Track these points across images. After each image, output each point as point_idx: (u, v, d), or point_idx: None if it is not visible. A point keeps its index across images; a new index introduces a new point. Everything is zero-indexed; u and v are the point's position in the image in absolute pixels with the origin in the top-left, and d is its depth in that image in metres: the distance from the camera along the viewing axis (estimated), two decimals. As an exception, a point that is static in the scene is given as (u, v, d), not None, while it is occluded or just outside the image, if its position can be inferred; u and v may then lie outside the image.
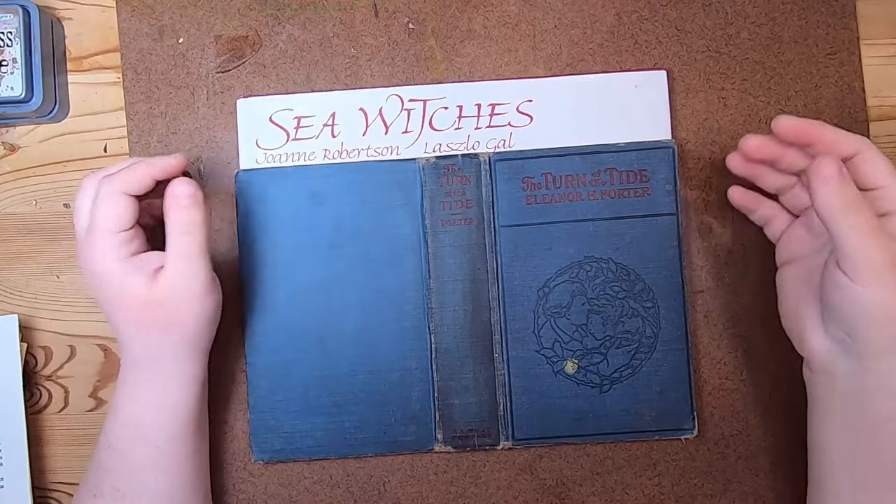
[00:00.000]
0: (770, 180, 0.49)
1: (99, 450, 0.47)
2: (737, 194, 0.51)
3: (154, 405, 0.46)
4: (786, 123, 0.44)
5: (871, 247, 0.39)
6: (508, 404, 0.51)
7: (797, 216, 0.48)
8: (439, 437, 0.51)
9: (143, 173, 0.44)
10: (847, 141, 0.43)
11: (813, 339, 0.44)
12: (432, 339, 0.51)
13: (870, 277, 0.39)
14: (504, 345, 0.51)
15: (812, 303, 0.44)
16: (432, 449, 0.51)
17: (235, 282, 0.52)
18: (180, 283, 0.44)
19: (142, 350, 0.45)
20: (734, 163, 0.49)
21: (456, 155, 0.51)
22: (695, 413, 0.51)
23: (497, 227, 0.51)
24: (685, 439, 0.51)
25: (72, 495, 0.52)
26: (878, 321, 0.40)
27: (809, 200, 0.44)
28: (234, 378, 0.52)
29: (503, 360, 0.51)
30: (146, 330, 0.45)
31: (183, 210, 0.43)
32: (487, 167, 0.51)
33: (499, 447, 0.51)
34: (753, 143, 0.46)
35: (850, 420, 0.43)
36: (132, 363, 0.46)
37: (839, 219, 0.39)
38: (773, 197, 0.50)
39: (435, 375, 0.51)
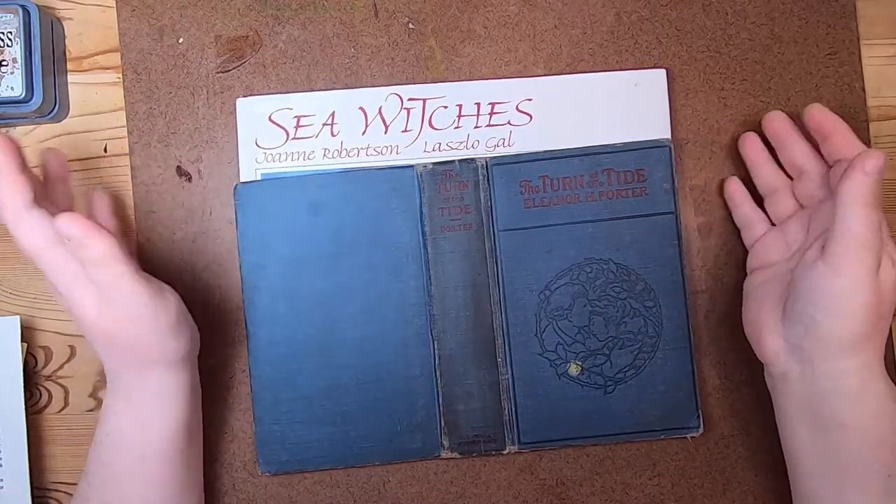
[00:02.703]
0: (766, 175, 0.50)
1: (88, 461, 0.46)
2: (732, 184, 0.52)
3: (132, 419, 0.45)
4: (816, 110, 0.47)
5: (866, 242, 0.40)
6: (513, 408, 0.51)
7: (774, 224, 0.50)
8: (445, 443, 0.51)
9: (17, 181, 0.41)
10: (857, 145, 0.45)
11: (771, 343, 0.45)
12: (435, 346, 0.51)
13: (851, 269, 0.40)
14: (507, 349, 0.51)
15: (773, 309, 0.46)
16: (439, 455, 0.51)
17: (237, 293, 0.52)
18: (118, 311, 0.42)
19: (110, 364, 0.45)
20: (747, 142, 0.51)
21: (453, 161, 0.51)
22: (700, 411, 0.51)
23: (496, 231, 0.51)
24: (690, 437, 0.51)
25: (72, 495, 0.52)
26: (843, 312, 0.41)
27: (792, 209, 0.48)
28: (234, 379, 0.52)
29: (507, 364, 0.51)
30: (105, 347, 0.44)
31: (81, 250, 0.40)
32: (485, 172, 0.51)
33: (505, 452, 0.51)
34: (776, 116, 0.49)
35: (810, 424, 0.44)
36: (109, 374, 0.45)
37: (858, 209, 0.40)
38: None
39: (439, 382, 0.51)
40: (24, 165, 0.42)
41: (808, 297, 0.42)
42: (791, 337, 0.44)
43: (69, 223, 0.39)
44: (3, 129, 0.53)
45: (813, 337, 0.42)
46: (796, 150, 0.49)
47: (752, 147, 0.51)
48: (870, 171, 0.40)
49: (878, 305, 0.41)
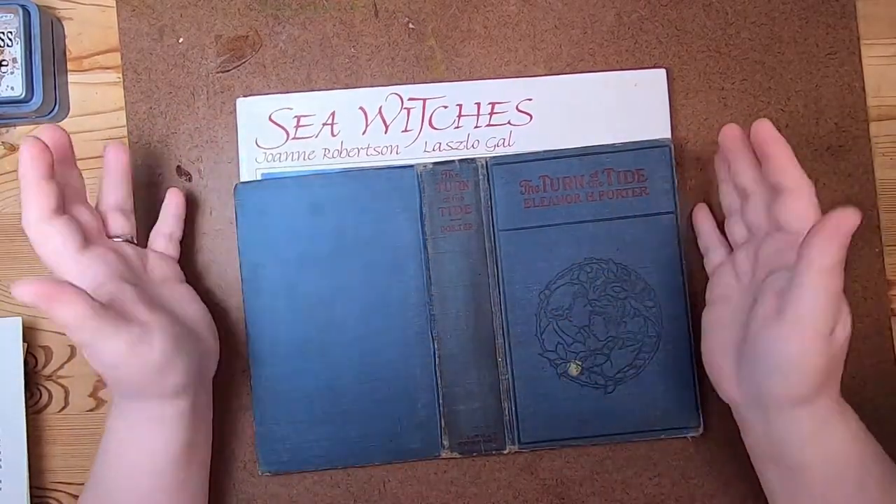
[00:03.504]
0: (726, 196, 0.49)
1: (90, 476, 0.45)
2: (698, 211, 0.52)
3: (131, 440, 0.44)
4: (762, 127, 0.44)
5: (824, 313, 0.38)
6: (513, 408, 0.51)
7: (732, 249, 0.49)
8: (445, 443, 0.51)
9: (36, 189, 0.41)
10: (793, 173, 0.43)
11: (727, 386, 0.44)
12: (436, 346, 0.51)
13: (805, 337, 0.38)
14: (507, 349, 0.51)
15: (727, 355, 0.44)
16: (439, 455, 0.51)
17: (237, 293, 0.52)
18: (104, 363, 0.41)
19: (108, 382, 0.43)
20: (716, 158, 0.50)
21: (453, 161, 0.51)
22: (700, 411, 0.51)
23: (496, 231, 0.51)
24: (690, 437, 0.51)
25: (72, 495, 0.52)
26: (792, 373, 0.39)
27: (745, 235, 0.47)
28: (234, 380, 0.52)
29: (507, 364, 0.51)
30: (109, 385, 0.43)
31: (48, 314, 0.37)
32: (485, 171, 0.51)
33: (505, 451, 0.51)
34: (728, 131, 0.47)
35: (775, 465, 0.43)
36: (117, 399, 0.45)
37: (822, 278, 0.37)
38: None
39: (439, 382, 0.51)
40: (50, 172, 0.41)
41: (761, 353, 0.40)
42: (745, 387, 0.43)
43: (26, 290, 0.36)
44: (4, 129, 0.53)
45: (766, 392, 0.41)
46: (743, 171, 0.46)
47: (720, 163, 0.49)
48: (843, 234, 0.36)
49: (829, 363, 0.39)
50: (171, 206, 0.50)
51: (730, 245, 0.49)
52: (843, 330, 0.39)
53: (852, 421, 0.42)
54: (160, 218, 0.50)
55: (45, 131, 0.43)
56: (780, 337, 0.39)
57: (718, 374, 0.45)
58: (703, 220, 0.51)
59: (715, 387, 0.46)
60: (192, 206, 0.53)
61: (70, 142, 0.45)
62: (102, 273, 0.43)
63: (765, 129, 0.44)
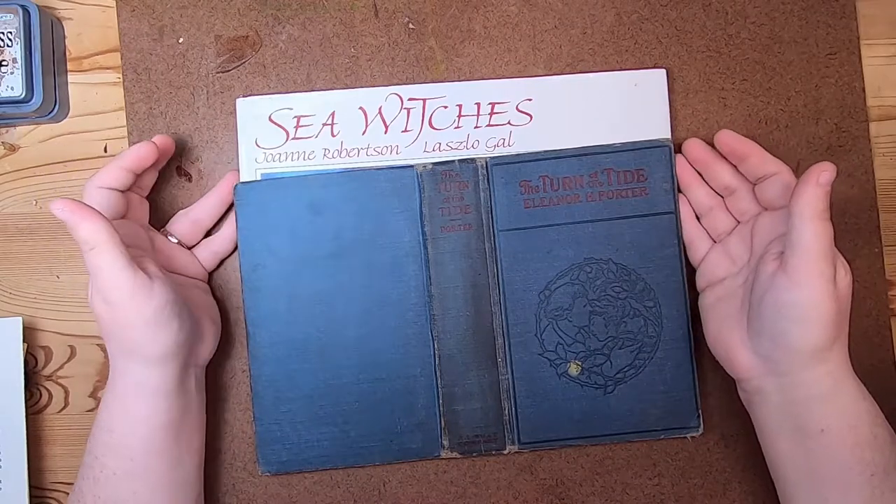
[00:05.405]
0: (699, 195, 0.51)
1: (85, 456, 0.46)
2: (681, 205, 0.52)
3: (118, 410, 0.45)
4: (726, 136, 0.50)
5: (824, 254, 0.41)
6: (513, 408, 0.51)
7: (715, 241, 0.51)
8: (445, 443, 0.51)
9: (112, 167, 0.47)
10: (773, 161, 0.48)
11: (741, 358, 0.46)
12: (435, 346, 0.51)
13: (813, 280, 0.41)
14: (507, 349, 0.51)
15: (735, 324, 0.47)
16: (439, 455, 0.51)
17: (237, 293, 0.52)
18: (105, 296, 0.43)
19: (109, 350, 0.46)
20: (678, 164, 0.51)
21: (453, 161, 0.51)
22: (700, 411, 0.51)
23: (496, 231, 0.51)
24: (690, 437, 0.51)
25: (72, 495, 0.52)
26: (810, 321, 0.42)
27: (730, 224, 0.50)
28: (234, 379, 0.52)
29: (506, 364, 0.51)
30: (100, 331, 0.45)
31: (72, 229, 0.42)
32: (485, 172, 0.51)
33: (505, 452, 0.51)
34: (694, 145, 0.51)
35: (791, 433, 0.44)
36: (110, 367, 0.46)
37: (816, 223, 0.41)
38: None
39: (439, 382, 0.51)
40: (128, 167, 0.47)
41: (774, 310, 0.43)
42: (761, 350, 0.45)
43: (60, 206, 0.41)
44: (4, 130, 0.53)
45: (783, 348, 0.43)
46: (722, 172, 0.50)
47: (682, 170, 0.51)
48: (823, 183, 0.41)
49: (839, 311, 0.42)
50: (229, 228, 0.52)
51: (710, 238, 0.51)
52: (845, 277, 0.43)
53: (857, 380, 0.45)
54: (216, 232, 0.52)
55: (162, 140, 0.49)
56: (789, 285, 0.42)
57: (728, 350, 0.47)
58: (688, 216, 0.52)
59: (725, 365, 0.47)
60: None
61: (168, 151, 0.50)
62: (126, 235, 0.45)
63: (732, 136, 0.50)
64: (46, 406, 0.53)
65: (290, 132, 0.53)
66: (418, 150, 0.53)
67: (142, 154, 0.47)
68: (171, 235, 0.50)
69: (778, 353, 0.43)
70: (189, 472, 0.48)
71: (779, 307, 0.43)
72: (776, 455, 0.46)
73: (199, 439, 0.49)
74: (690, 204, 0.51)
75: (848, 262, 0.44)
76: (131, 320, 0.43)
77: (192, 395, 0.47)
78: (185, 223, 0.51)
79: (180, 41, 0.53)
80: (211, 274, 0.53)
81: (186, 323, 0.45)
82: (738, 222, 0.50)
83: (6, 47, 0.50)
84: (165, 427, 0.45)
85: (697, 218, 0.52)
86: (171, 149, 0.50)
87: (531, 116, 0.53)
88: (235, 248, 0.52)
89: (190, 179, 0.53)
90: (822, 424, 0.43)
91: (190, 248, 0.51)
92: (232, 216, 0.52)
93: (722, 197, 0.51)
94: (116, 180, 0.47)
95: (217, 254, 0.52)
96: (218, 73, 0.53)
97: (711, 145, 0.51)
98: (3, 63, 0.50)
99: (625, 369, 0.51)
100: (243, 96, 0.53)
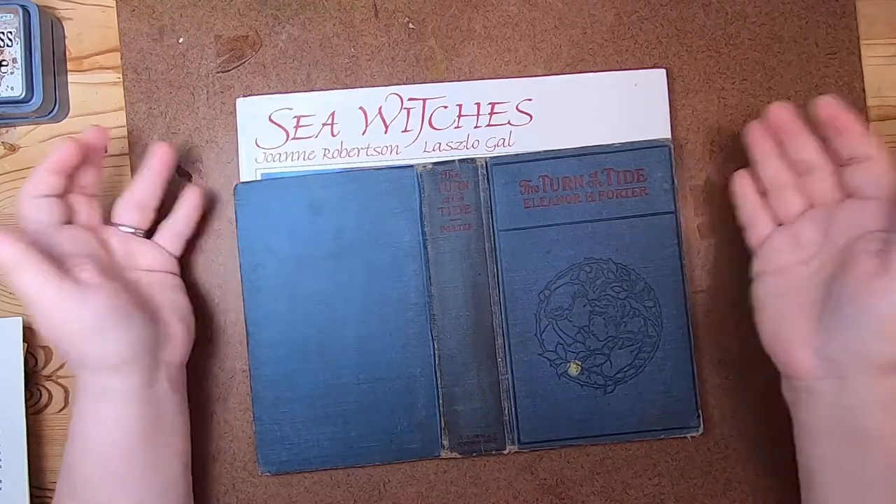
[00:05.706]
0: (773, 168, 0.47)
1: (63, 460, 0.46)
2: (741, 178, 0.49)
3: (94, 421, 0.44)
4: (830, 103, 0.44)
5: None
6: (513, 408, 0.51)
7: (780, 224, 0.47)
8: (445, 443, 0.51)
9: (39, 174, 0.44)
10: (871, 144, 0.43)
11: (800, 358, 0.43)
12: (435, 346, 0.51)
13: None
14: (507, 349, 0.51)
15: (802, 322, 0.43)
16: (439, 455, 0.51)
17: (237, 293, 0.52)
18: (36, 314, 0.42)
19: (54, 345, 0.45)
20: (753, 132, 0.48)
21: (453, 161, 0.51)
22: (700, 411, 0.51)
23: (496, 231, 0.51)
24: (690, 437, 0.51)
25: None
26: None
27: (801, 207, 0.45)
28: (234, 379, 0.52)
29: (506, 364, 0.51)
30: (56, 350, 0.45)
31: None
32: (485, 172, 0.51)
33: (505, 451, 0.51)
34: (783, 108, 0.46)
35: (840, 438, 0.42)
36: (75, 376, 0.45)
37: None
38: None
39: (439, 382, 0.51)
40: (53, 170, 0.44)
41: (861, 316, 0.40)
42: (829, 353, 0.42)
43: None
44: (4, 130, 0.53)
45: (854, 355, 0.41)
46: (807, 145, 0.46)
47: (759, 138, 0.47)
48: None
49: None
50: (185, 206, 0.50)
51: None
52: None
53: None
54: (171, 213, 0.50)
55: (94, 133, 0.47)
56: (886, 292, 0.39)
57: (787, 347, 0.44)
58: (749, 192, 0.48)
59: (781, 362, 0.45)
60: (192, 206, 0.53)
61: (101, 144, 0.47)
62: (63, 243, 0.44)
63: (833, 106, 0.44)
64: (46, 406, 0.53)
65: (290, 132, 0.53)
66: (418, 150, 0.53)
67: (64, 155, 0.45)
68: (122, 226, 0.48)
69: (845, 357, 0.41)
70: (170, 475, 0.46)
71: (869, 313, 0.40)
72: (817, 457, 0.43)
73: (180, 441, 0.47)
74: (754, 179, 0.48)
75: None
76: (70, 333, 0.42)
77: (166, 397, 0.46)
78: (128, 209, 0.48)
79: (180, 41, 0.53)
80: (184, 265, 0.51)
81: (140, 326, 0.44)
82: (811, 205, 0.46)
83: (6, 47, 0.50)
84: (138, 432, 0.44)
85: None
86: (104, 141, 0.47)
87: (531, 116, 0.53)
88: (197, 229, 0.51)
89: (190, 179, 0.53)
90: (881, 432, 0.41)
91: (151, 237, 0.49)
92: (187, 193, 0.50)
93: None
94: (47, 186, 0.44)
95: (180, 235, 0.50)
96: (218, 73, 0.53)
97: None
98: (3, 63, 0.50)
99: (625, 369, 0.51)
100: (243, 96, 0.53)
